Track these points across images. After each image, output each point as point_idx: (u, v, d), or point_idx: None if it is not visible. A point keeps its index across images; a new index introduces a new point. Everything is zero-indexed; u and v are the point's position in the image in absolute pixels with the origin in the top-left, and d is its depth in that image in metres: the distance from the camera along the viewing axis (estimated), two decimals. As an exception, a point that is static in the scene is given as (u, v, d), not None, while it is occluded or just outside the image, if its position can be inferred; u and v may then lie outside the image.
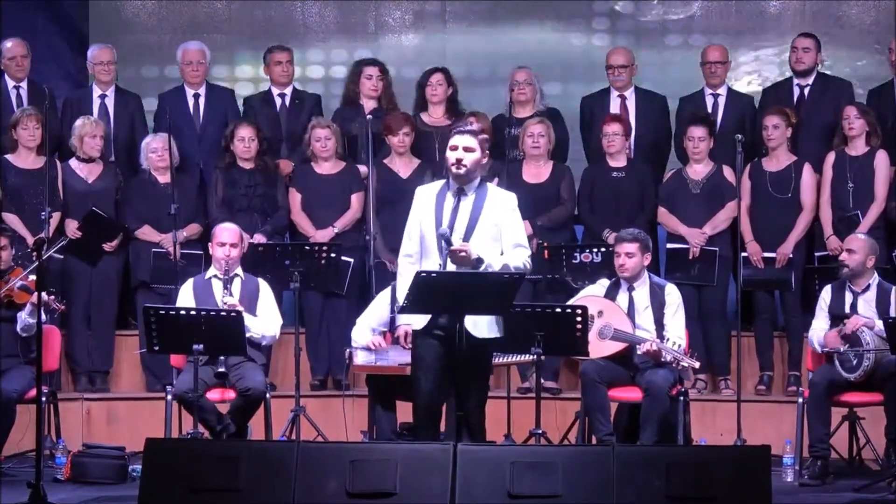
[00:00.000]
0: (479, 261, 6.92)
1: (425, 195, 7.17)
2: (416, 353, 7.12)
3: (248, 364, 8.37)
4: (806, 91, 9.93)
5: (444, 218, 7.04)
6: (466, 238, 6.99)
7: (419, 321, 7.06)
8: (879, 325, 8.21)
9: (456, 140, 7.05)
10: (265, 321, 8.54)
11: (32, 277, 8.34)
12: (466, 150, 7.02)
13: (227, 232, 8.63)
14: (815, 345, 8.55)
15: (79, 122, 9.74)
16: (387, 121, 9.78)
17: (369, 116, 9.78)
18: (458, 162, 7.01)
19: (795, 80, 9.97)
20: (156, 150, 9.70)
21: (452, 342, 6.89)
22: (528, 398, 8.97)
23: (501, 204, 7.08)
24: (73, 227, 9.54)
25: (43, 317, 7.75)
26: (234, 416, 8.30)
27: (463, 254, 6.89)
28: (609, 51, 10.24)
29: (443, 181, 7.19)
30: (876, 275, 8.57)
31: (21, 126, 9.59)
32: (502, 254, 7.05)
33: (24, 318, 8.53)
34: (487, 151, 7.15)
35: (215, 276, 8.58)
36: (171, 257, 9.46)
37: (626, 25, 11.14)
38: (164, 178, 9.67)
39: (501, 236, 7.05)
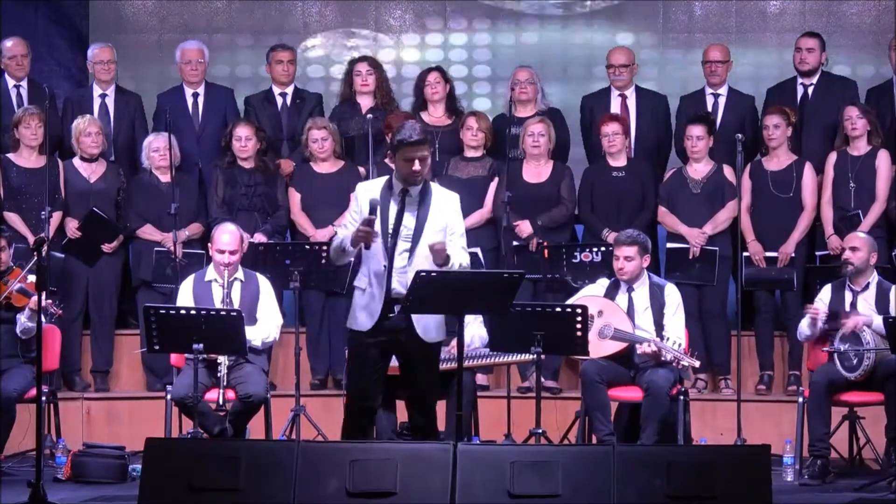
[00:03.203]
0: (449, 256, 6.99)
1: (367, 192, 7.15)
2: (353, 352, 7.23)
3: (249, 367, 8.31)
4: (810, 90, 9.91)
5: (390, 219, 7.06)
6: (417, 236, 7.04)
7: (366, 322, 7.10)
8: (878, 321, 8.21)
9: (416, 153, 7.00)
10: (263, 327, 8.47)
11: (32, 278, 8.32)
12: (422, 160, 7.05)
13: (226, 237, 8.48)
14: (805, 327, 8.52)
15: (74, 123, 9.75)
16: (388, 120, 9.77)
17: (368, 116, 9.77)
18: (417, 173, 7.05)
19: (800, 80, 9.95)
20: (158, 150, 9.69)
21: (396, 346, 7.08)
22: (528, 398, 8.98)
23: (447, 204, 7.16)
24: (72, 227, 9.54)
25: (42, 319, 7.73)
26: (234, 420, 8.25)
27: (440, 247, 6.93)
28: (610, 50, 10.23)
29: (383, 179, 7.21)
30: (875, 273, 8.58)
31: (23, 125, 9.59)
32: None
33: (23, 321, 8.50)
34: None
35: (215, 280, 8.52)
36: (172, 256, 9.46)
37: (627, 25, 11.14)
38: (165, 177, 9.66)
39: (447, 235, 7.09)
